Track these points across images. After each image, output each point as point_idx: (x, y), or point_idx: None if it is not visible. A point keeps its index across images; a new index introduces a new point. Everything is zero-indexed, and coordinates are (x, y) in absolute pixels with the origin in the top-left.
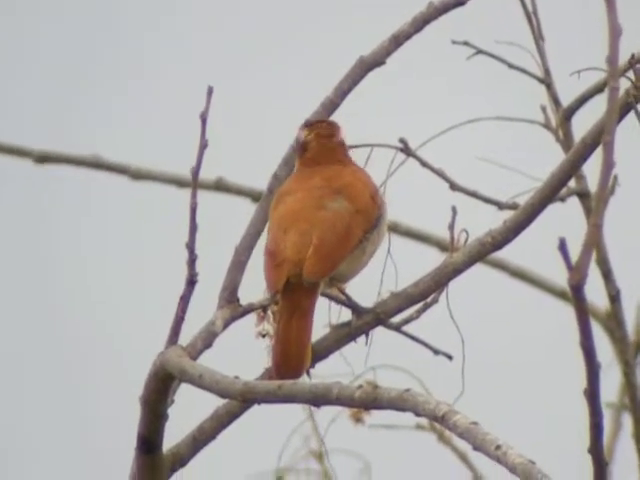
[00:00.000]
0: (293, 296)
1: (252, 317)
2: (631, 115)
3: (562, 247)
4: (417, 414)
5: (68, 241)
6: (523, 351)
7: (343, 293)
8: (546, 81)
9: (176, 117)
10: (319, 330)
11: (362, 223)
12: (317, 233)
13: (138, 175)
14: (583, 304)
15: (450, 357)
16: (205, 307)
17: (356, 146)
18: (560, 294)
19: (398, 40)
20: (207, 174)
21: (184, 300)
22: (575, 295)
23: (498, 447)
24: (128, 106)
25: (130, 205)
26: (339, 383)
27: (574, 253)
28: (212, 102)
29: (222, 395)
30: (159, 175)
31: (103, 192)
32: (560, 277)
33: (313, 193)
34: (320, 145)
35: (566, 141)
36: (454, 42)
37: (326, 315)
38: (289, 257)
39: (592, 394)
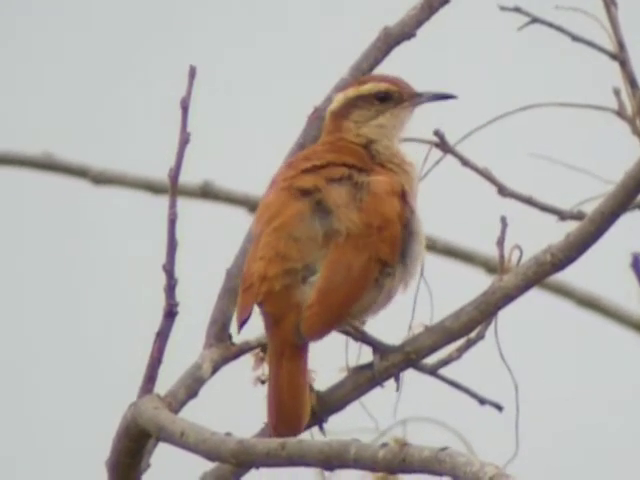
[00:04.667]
0: (278, 331)
1: (248, 359)
2: None
3: (636, 264)
4: (456, 478)
5: (10, 257)
6: (592, 399)
7: (357, 330)
8: (620, 57)
9: (150, 106)
10: (334, 374)
11: (385, 251)
12: (326, 271)
13: (101, 178)
14: None
15: (500, 407)
16: (189, 346)
17: None
18: (638, 326)
19: (432, 6)
20: (190, 177)
21: (162, 337)
22: None
23: None
24: (87, 95)
25: (91, 215)
26: (357, 441)
27: None
28: (195, 86)
29: (210, 457)
30: (128, 178)
31: (57, 199)
32: (638, 304)
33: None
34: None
35: None
36: (502, 8)
37: (342, 355)
38: (257, 277)
39: None
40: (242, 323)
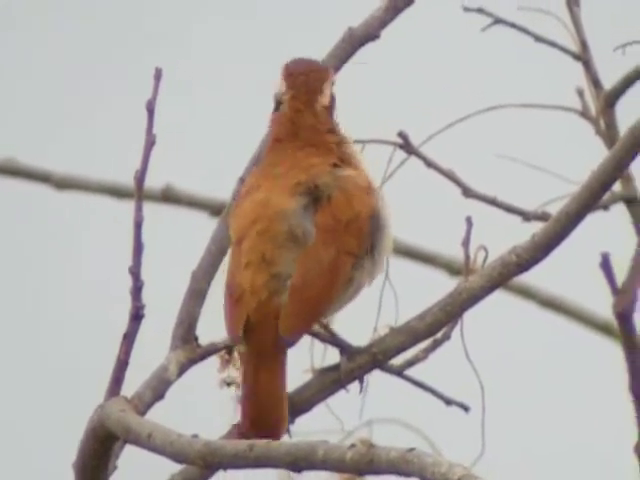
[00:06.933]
0: (257, 338)
1: (214, 360)
2: None
3: (605, 265)
4: (424, 479)
5: None
6: (556, 399)
7: (326, 329)
8: (583, 58)
9: (112, 110)
10: (299, 376)
11: (352, 244)
12: (299, 268)
13: (64, 183)
14: (632, 338)
15: (466, 408)
16: (155, 348)
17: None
18: (603, 327)
19: (396, 7)
20: (153, 181)
21: (128, 339)
22: (622, 326)
23: None
24: (49, 99)
25: (55, 221)
26: (325, 442)
27: (621, 273)
28: (160, 88)
29: (178, 459)
30: (91, 183)
31: (19, 204)
32: (603, 305)
33: (281, 190)
34: (295, 113)
35: (609, 133)
36: (466, 9)
37: (307, 356)
38: (247, 288)
39: None
40: (236, 337)
